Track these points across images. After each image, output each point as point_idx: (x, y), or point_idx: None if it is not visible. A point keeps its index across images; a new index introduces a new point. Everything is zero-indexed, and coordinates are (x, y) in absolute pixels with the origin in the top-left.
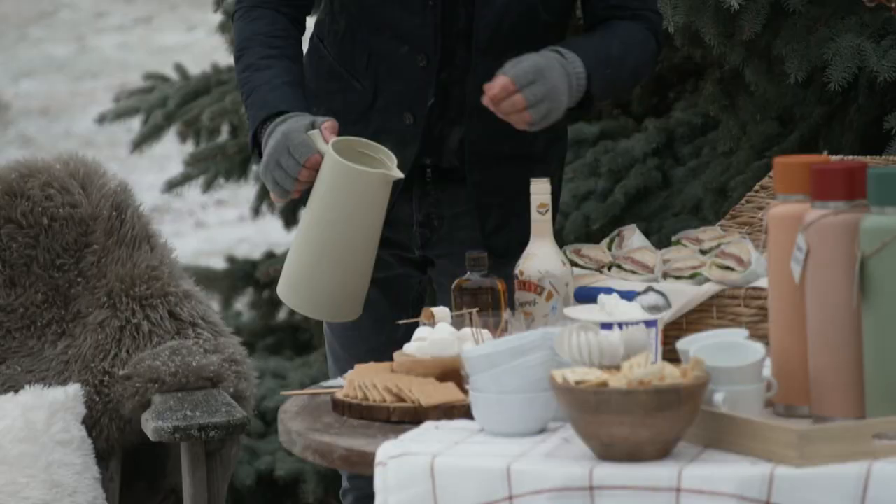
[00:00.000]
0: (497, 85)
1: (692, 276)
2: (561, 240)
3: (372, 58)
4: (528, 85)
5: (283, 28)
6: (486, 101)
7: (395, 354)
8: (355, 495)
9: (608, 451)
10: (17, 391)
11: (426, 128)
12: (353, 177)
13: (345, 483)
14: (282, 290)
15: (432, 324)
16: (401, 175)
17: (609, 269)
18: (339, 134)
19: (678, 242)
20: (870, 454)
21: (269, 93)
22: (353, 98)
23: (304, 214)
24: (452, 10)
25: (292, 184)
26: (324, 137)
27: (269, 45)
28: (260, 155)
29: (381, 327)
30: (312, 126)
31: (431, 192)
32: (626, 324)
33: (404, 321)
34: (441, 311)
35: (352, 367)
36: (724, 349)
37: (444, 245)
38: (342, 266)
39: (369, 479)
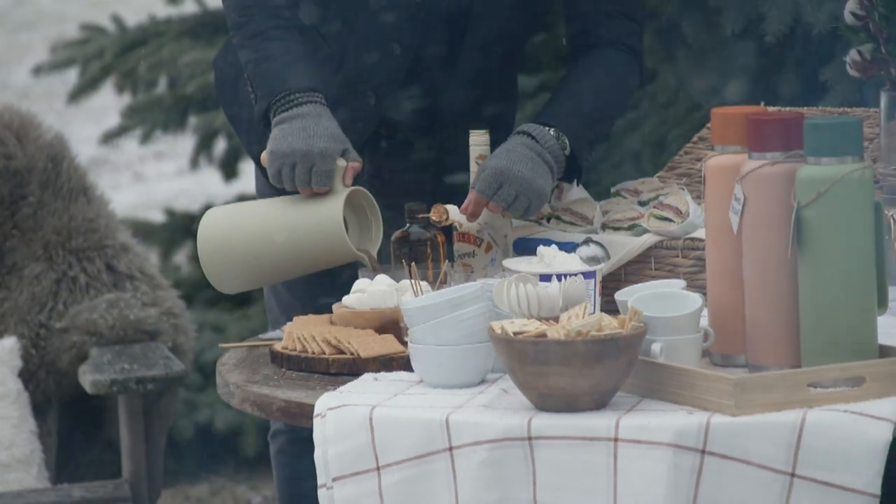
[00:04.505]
0: (469, 202)
1: (631, 228)
2: None
3: (344, 27)
4: (497, 191)
5: None
6: (468, 218)
7: (335, 306)
8: (286, 438)
9: (546, 402)
10: None
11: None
12: (340, 243)
13: (274, 425)
14: (204, 233)
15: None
16: (381, 274)
17: (548, 220)
18: None
19: (617, 194)
20: (805, 403)
21: (290, 65)
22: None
23: (276, 208)
24: (437, 8)
25: (290, 186)
26: (344, 177)
27: (278, 16)
28: (267, 123)
29: (326, 270)
30: (343, 153)
31: (383, 148)
32: (565, 275)
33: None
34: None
35: (296, 309)
36: (661, 299)
37: (395, 197)
38: (264, 275)
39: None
